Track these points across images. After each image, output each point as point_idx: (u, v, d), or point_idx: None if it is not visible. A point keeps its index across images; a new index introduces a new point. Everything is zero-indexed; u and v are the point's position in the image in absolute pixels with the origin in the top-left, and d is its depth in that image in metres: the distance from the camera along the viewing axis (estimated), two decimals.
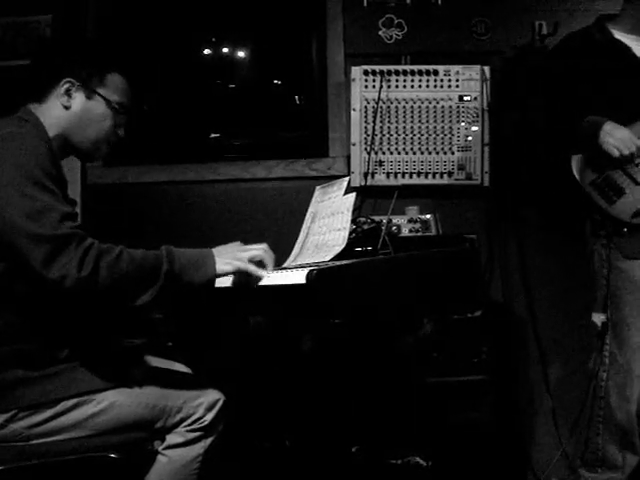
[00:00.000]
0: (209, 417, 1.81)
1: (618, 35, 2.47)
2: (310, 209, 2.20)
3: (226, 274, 1.71)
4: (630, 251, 2.39)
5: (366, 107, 3.07)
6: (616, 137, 2.33)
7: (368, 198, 3.08)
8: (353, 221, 2.15)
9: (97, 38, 3.17)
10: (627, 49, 2.44)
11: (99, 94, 1.82)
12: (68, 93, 1.79)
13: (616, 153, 2.33)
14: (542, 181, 2.98)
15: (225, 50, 3.41)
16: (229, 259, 1.70)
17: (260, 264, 1.73)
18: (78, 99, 1.80)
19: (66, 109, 1.80)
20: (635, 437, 2.43)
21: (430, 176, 3.07)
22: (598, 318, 2.46)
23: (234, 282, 1.76)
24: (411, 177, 3.07)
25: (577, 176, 2.45)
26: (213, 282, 1.70)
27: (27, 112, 1.79)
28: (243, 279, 1.73)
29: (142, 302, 1.61)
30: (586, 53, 2.47)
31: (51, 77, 1.80)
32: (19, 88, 1.85)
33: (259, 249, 1.75)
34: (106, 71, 1.83)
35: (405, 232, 2.77)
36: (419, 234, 2.76)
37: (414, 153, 3.07)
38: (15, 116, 1.78)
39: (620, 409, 2.41)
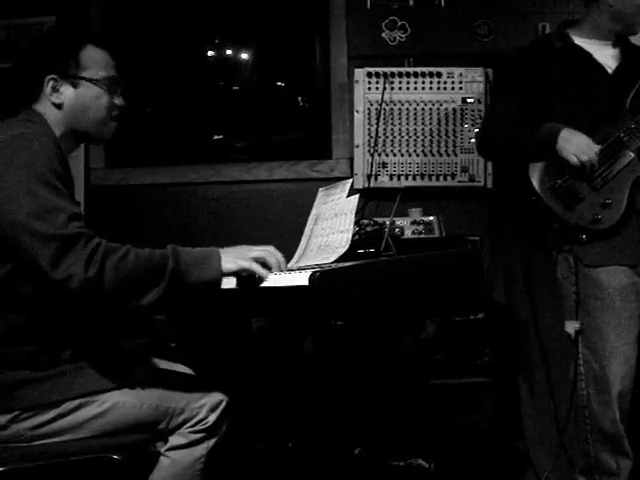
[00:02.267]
0: (212, 418, 1.80)
1: (578, 41, 2.45)
2: (313, 211, 2.20)
3: (231, 273, 1.72)
4: (592, 260, 2.36)
5: (369, 109, 3.07)
6: (573, 144, 2.28)
7: (371, 200, 3.08)
8: (356, 223, 2.15)
9: (64, 25, 3.16)
10: (587, 55, 2.42)
11: (83, 78, 1.80)
12: (55, 89, 1.79)
13: (574, 160, 2.28)
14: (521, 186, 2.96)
15: (228, 51, 3.41)
16: (234, 258, 1.71)
17: (264, 266, 1.73)
18: (67, 92, 1.80)
19: (59, 107, 1.79)
20: (623, 441, 2.41)
21: (433, 178, 3.07)
22: (571, 326, 2.44)
23: (238, 281, 1.76)
24: (414, 179, 3.07)
25: (535, 183, 2.39)
26: (219, 281, 1.70)
27: (32, 113, 1.80)
28: (247, 278, 1.74)
29: (149, 301, 1.61)
30: (546, 60, 2.44)
31: (35, 79, 1.80)
32: (14, 91, 1.85)
33: (264, 250, 1.75)
34: (78, 51, 1.81)
35: (408, 234, 2.77)
36: (422, 236, 2.76)
37: (417, 155, 3.07)
38: (22, 117, 1.79)
39: (603, 416, 2.38)
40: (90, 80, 1.81)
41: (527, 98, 2.44)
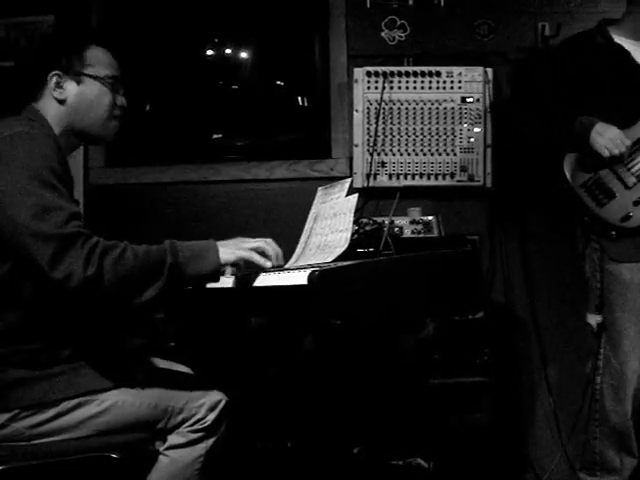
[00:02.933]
0: (211, 418, 1.81)
1: (618, 39, 2.48)
2: (312, 210, 2.20)
3: (230, 263, 1.72)
4: (617, 254, 2.40)
5: (369, 108, 3.07)
6: (606, 137, 2.34)
7: (370, 199, 3.08)
8: (355, 222, 2.15)
9: (67, 24, 3.16)
10: (627, 54, 2.45)
11: (87, 75, 1.81)
12: (59, 85, 1.79)
13: (606, 153, 2.34)
14: (544, 182, 2.97)
15: (228, 51, 3.41)
16: (232, 249, 1.71)
17: (263, 256, 1.74)
18: (70, 88, 1.81)
19: (62, 103, 1.80)
20: (631, 439, 2.43)
21: (432, 177, 3.07)
22: (593, 319, 2.47)
23: (236, 279, 1.76)
24: (413, 178, 3.07)
25: (569, 177, 2.45)
26: (218, 273, 1.71)
27: (32, 111, 1.80)
28: (246, 270, 1.74)
29: (148, 297, 1.61)
30: (586, 55, 2.48)
31: (37, 76, 1.80)
32: (16, 89, 1.86)
33: (261, 241, 1.76)
34: (83, 49, 1.82)
35: (407, 233, 2.77)
36: (421, 235, 2.76)
37: (416, 154, 3.07)
38: (22, 116, 1.79)
39: (615, 412, 2.40)
40: (94, 77, 1.82)
41: (565, 92, 2.47)
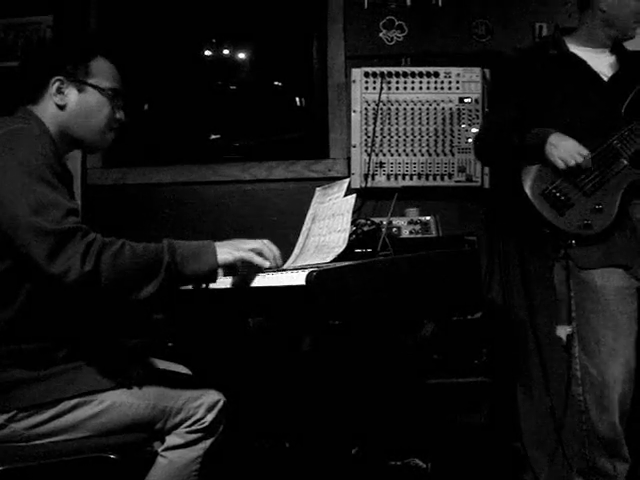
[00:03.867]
0: (209, 418, 1.81)
1: (574, 49, 2.45)
2: (310, 210, 2.20)
3: (227, 264, 1.72)
4: (586, 262, 2.36)
5: (366, 109, 3.07)
6: (560, 148, 2.30)
7: (368, 200, 3.08)
8: (353, 223, 2.15)
9: (76, 30, 3.17)
10: (582, 62, 2.42)
11: (89, 84, 1.82)
12: (60, 91, 1.80)
13: (562, 165, 2.30)
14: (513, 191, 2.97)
15: (226, 51, 3.41)
16: (230, 249, 1.71)
17: (262, 256, 1.74)
18: (71, 95, 1.81)
19: (62, 108, 1.80)
20: (621, 445, 2.39)
21: (430, 178, 3.07)
22: (563, 330, 2.44)
23: (233, 279, 1.76)
24: (411, 179, 3.07)
25: (527, 188, 2.40)
26: (215, 273, 1.71)
27: (27, 112, 1.80)
28: (244, 270, 1.74)
29: (146, 294, 1.61)
30: (542, 67, 2.45)
31: (40, 79, 1.80)
32: (15, 90, 1.86)
33: (259, 242, 1.76)
34: (89, 59, 1.83)
35: (405, 234, 2.77)
36: (419, 236, 2.76)
37: (414, 155, 3.07)
38: (16, 115, 1.79)
39: (601, 421, 2.37)
40: (96, 87, 1.82)
41: (522, 104, 2.45)
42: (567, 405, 2.53)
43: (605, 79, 2.43)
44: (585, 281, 2.37)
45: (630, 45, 2.52)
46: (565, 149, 2.30)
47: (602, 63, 2.45)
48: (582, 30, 2.48)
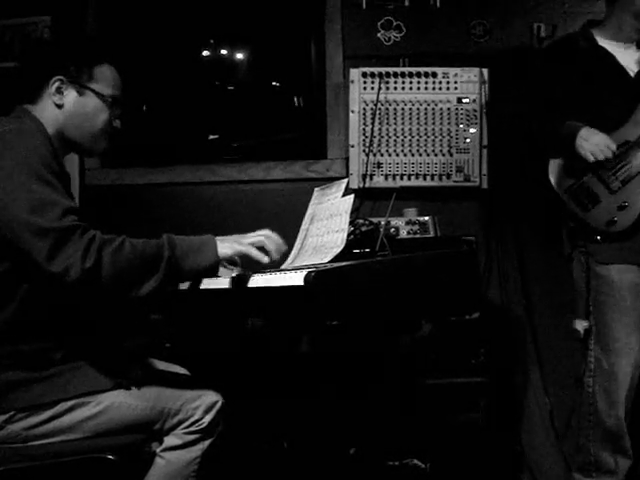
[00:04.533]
0: (207, 419, 1.81)
1: (602, 42, 2.46)
2: (308, 211, 2.20)
3: (227, 258, 1.72)
4: (604, 257, 2.39)
5: (365, 109, 3.07)
6: (591, 142, 2.33)
7: (366, 200, 3.08)
8: (351, 223, 2.14)
9: (83, 33, 3.16)
10: (611, 56, 2.44)
11: (90, 89, 1.82)
12: (59, 91, 1.79)
13: (591, 158, 2.33)
14: (540, 183, 2.98)
15: (224, 51, 3.41)
16: (230, 243, 1.71)
17: (262, 250, 1.74)
18: (70, 96, 1.80)
19: (59, 107, 1.80)
20: (625, 441, 2.42)
21: (428, 178, 3.07)
22: (580, 324, 2.46)
23: (232, 279, 1.76)
24: (409, 179, 3.07)
25: (553, 182, 2.45)
26: (216, 267, 1.71)
27: (24, 111, 1.80)
28: (245, 264, 1.74)
29: (147, 290, 1.61)
30: (571, 59, 2.47)
31: (40, 77, 1.80)
32: (13, 89, 1.85)
33: (260, 235, 1.77)
34: (94, 64, 1.83)
35: (403, 234, 2.77)
36: (417, 236, 2.76)
37: (412, 155, 3.07)
38: (13, 115, 1.79)
39: (608, 414, 2.40)
40: (97, 93, 1.82)
41: (552, 97, 2.47)
42: (576, 401, 2.54)
43: (632, 74, 2.44)
44: (602, 275, 2.40)
45: None
46: (595, 143, 2.33)
47: (629, 58, 2.46)
48: (610, 23, 2.47)
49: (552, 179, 2.46)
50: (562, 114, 2.42)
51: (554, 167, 2.46)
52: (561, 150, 2.43)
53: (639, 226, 2.37)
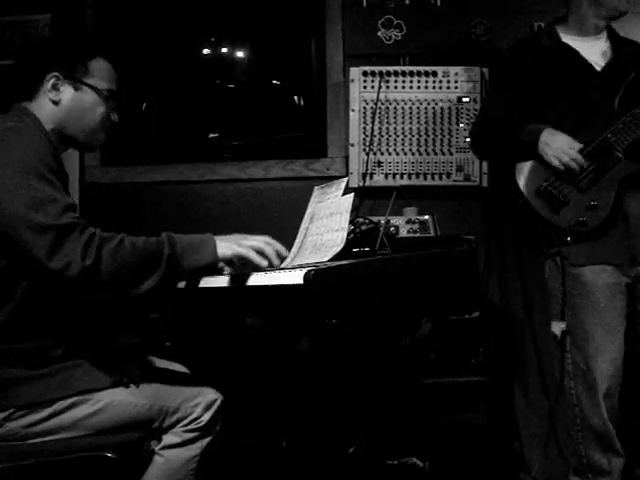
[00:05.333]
0: (206, 417, 1.81)
1: (566, 39, 2.43)
2: (308, 209, 2.20)
3: (226, 259, 1.72)
4: (578, 259, 2.36)
5: (365, 108, 3.07)
6: (553, 146, 2.28)
7: (366, 199, 3.08)
8: (351, 222, 2.14)
9: (77, 29, 3.16)
10: (574, 52, 2.40)
11: (86, 84, 1.81)
12: (55, 87, 1.79)
13: (555, 162, 2.29)
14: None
15: (224, 50, 3.41)
16: (230, 244, 1.71)
17: (261, 255, 1.74)
18: (66, 92, 1.80)
19: (56, 104, 1.80)
20: (614, 439, 2.40)
21: (429, 177, 3.07)
22: (557, 327, 2.44)
23: (231, 278, 1.76)
24: (409, 178, 3.07)
25: (521, 186, 2.38)
26: (215, 266, 1.71)
27: (21, 109, 1.80)
28: (243, 267, 1.74)
29: (147, 288, 1.61)
30: (534, 58, 2.43)
31: (36, 74, 1.80)
32: (11, 87, 1.86)
33: (260, 240, 1.76)
34: (89, 59, 1.83)
35: (403, 233, 2.77)
36: (417, 235, 2.76)
37: (413, 154, 3.07)
38: (11, 113, 1.79)
39: (593, 414, 2.37)
40: (93, 87, 1.82)
41: (517, 98, 2.43)
42: (558, 401, 2.54)
43: (598, 69, 2.40)
44: (576, 277, 2.37)
45: (623, 32, 2.51)
46: (558, 146, 2.29)
47: (595, 52, 2.42)
48: (572, 18, 2.44)
49: (520, 182, 2.38)
50: (529, 115, 2.37)
51: (521, 170, 2.39)
52: (525, 155, 2.37)
53: (609, 225, 2.34)
